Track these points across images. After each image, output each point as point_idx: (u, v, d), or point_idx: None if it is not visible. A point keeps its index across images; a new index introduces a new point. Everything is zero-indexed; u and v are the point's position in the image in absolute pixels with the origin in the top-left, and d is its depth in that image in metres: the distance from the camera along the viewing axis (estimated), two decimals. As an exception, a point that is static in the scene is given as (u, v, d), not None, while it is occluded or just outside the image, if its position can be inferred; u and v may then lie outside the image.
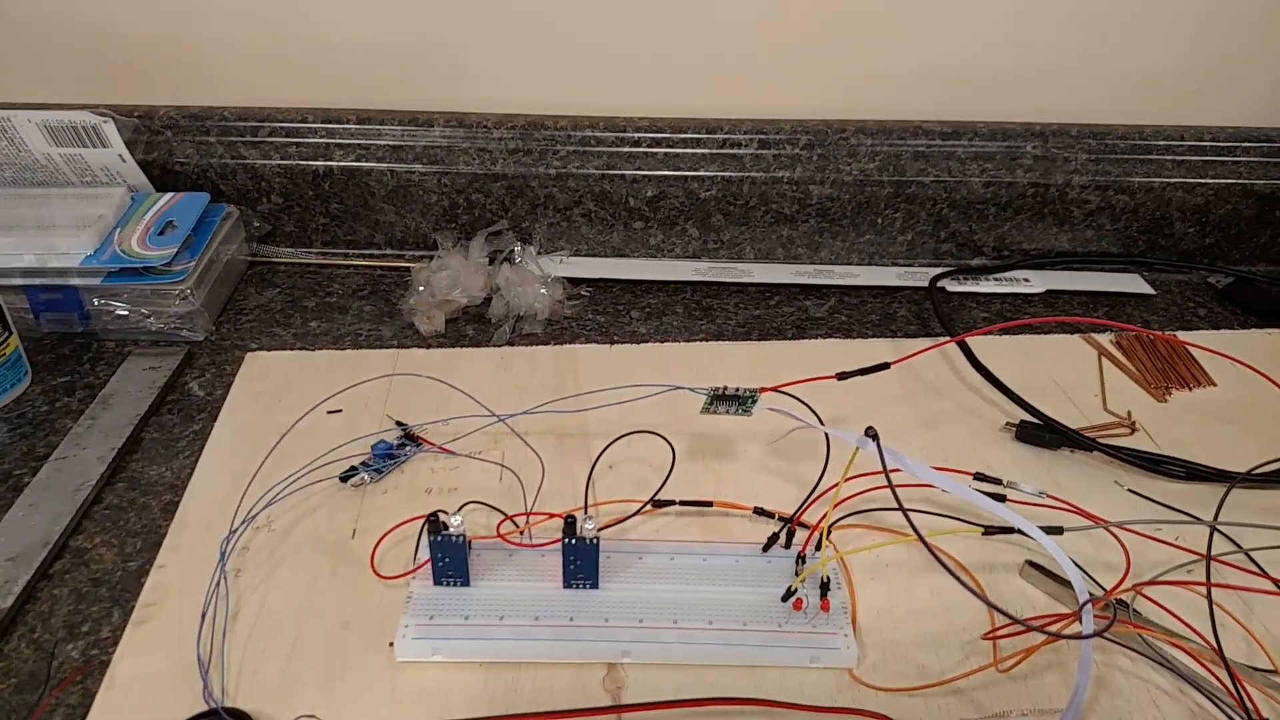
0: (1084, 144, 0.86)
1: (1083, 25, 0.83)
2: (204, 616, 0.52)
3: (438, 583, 0.54)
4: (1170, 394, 0.73)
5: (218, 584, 0.54)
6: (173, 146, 0.83)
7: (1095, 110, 0.87)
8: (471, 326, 0.79)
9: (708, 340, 0.79)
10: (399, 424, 0.66)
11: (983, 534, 0.53)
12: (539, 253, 0.85)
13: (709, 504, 0.60)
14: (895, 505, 0.57)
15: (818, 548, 0.56)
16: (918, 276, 0.86)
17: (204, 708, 0.48)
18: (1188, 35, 0.84)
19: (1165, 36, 0.84)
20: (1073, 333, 0.80)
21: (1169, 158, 0.87)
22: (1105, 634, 0.49)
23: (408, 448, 0.65)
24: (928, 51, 0.84)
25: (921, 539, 0.47)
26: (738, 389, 0.58)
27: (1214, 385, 0.74)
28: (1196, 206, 0.88)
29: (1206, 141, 0.87)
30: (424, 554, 0.55)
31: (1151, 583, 0.55)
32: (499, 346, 0.77)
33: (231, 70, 0.84)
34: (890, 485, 0.48)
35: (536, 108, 0.85)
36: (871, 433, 0.50)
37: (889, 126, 0.85)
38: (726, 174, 0.84)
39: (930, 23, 0.82)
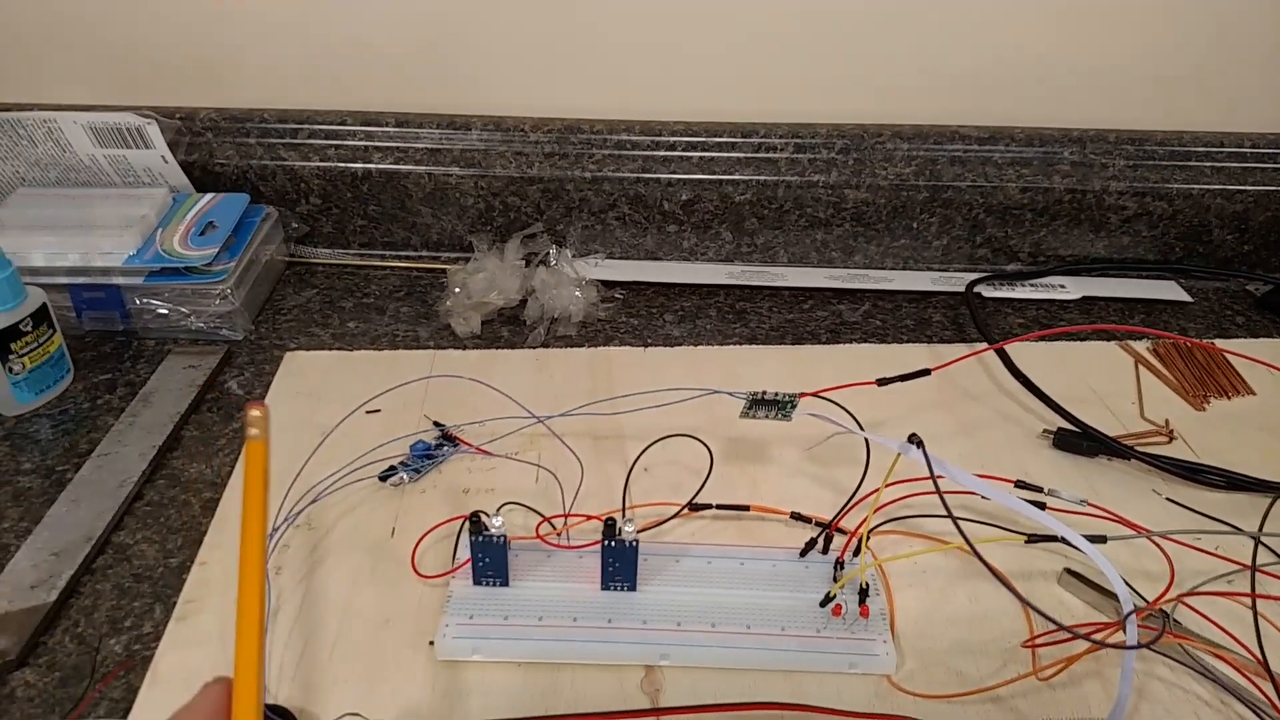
0: (1122, 150, 0.86)
1: (1121, 30, 0.82)
2: (246, 613, 0.53)
3: (477, 582, 0.54)
4: (1208, 402, 0.72)
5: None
6: (213, 148, 0.84)
7: (1134, 116, 0.87)
8: (507, 328, 0.80)
9: (741, 344, 0.79)
10: (436, 424, 0.67)
11: (1025, 542, 0.53)
12: (574, 255, 0.85)
13: (746, 508, 0.60)
14: (934, 513, 0.57)
15: (856, 553, 0.56)
16: (953, 282, 0.86)
17: (247, 704, 0.48)
18: (1227, 41, 0.83)
19: (1205, 42, 0.84)
20: (1109, 340, 0.79)
21: (1208, 164, 0.86)
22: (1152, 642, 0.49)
23: (445, 448, 0.65)
24: (965, 56, 0.84)
25: (971, 548, 0.47)
26: (776, 394, 0.58)
27: (1253, 394, 0.73)
28: (1235, 213, 0.87)
29: (1246, 148, 0.86)
30: (463, 554, 0.56)
31: (1195, 593, 0.54)
32: (534, 348, 0.77)
33: (271, 73, 0.85)
34: (939, 491, 0.48)
35: (573, 111, 0.86)
36: (915, 439, 0.50)
37: (925, 131, 0.85)
38: (761, 178, 0.84)
39: (967, 27, 0.82)
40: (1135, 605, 0.45)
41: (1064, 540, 0.48)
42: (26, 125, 0.78)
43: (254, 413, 0.38)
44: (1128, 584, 0.53)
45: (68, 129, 0.78)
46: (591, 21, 0.82)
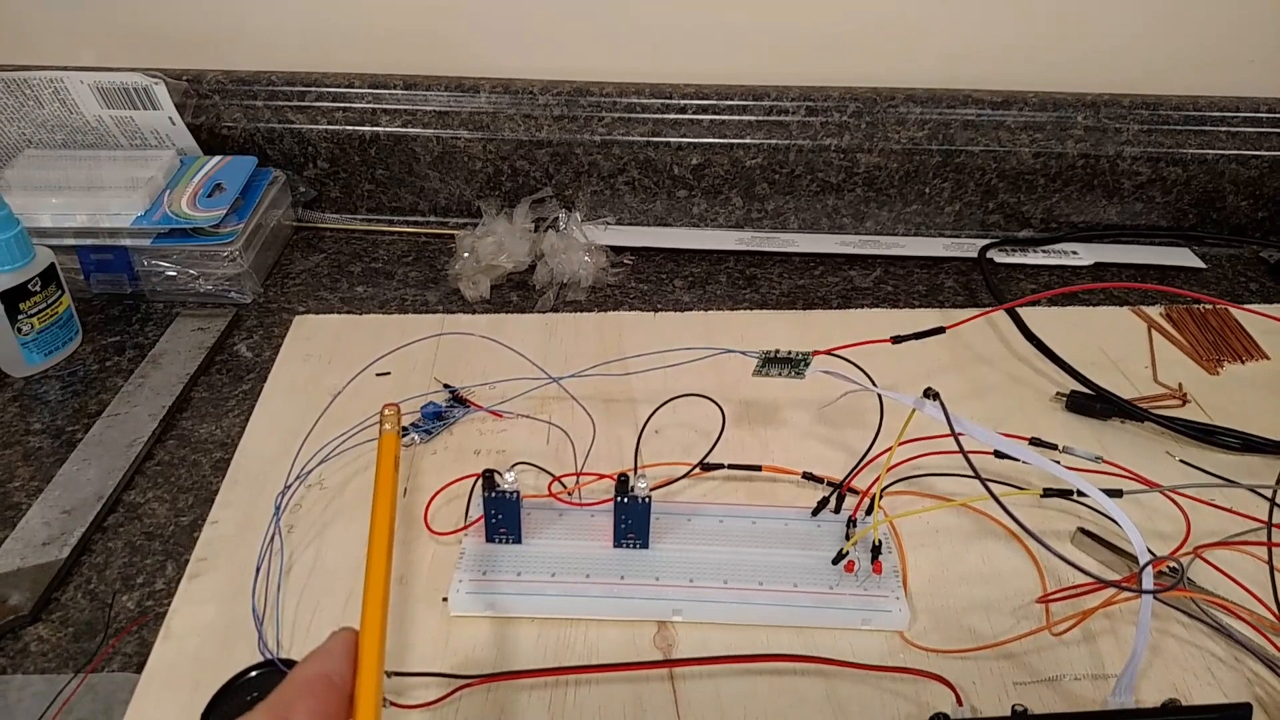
0: (1136, 115, 0.85)
1: (1137, -7, 0.82)
2: (258, 570, 0.53)
3: (490, 539, 0.54)
4: (1222, 366, 0.72)
5: (272, 539, 0.55)
6: (220, 110, 0.84)
7: (1148, 80, 0.86)
8: (516, 293, 0.80)
9: (752, 309, 0.78)
10: (446, 386, 0.67)
11: (1042, 495, 0.53)
12: (583, 220, 0.85)
13: (757, 468, 0.60)
14: (947, 471, 0.57)
15: (868, 512, 0.56)
16: (965, 248, 0.85)
17: (259, 659, 0.48)
18: (1243, 4, 0.83)
19: (1220, 5, 0.83)
20: (1122, 305, 0.79)
21: (1222, 129, 0.85)
22: (1163, 598, 0.49)
23: (456, 410, 0.65)
24: (979, 19, 0.83)
25: (999, 502, 0.47)
26: (790, 351, 0.57)
27: (1266, 358, 0.73)
28: (1250, 180, 0.86)
29: (1262, 113, 0.85)
30: (475, 512, 0.55)
31: (1211, 545, 0.54)
32: (543, 313, 0.77)
33: (279, 35, 0.84)
34: (959, 445, 0.48)
35: (581, 74, 0.85)
36: (931, 393, 0.50)
37: (939, 94, 0.84)
38: (773, 142, 0.84)
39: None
40: (1151, 557, 0.45)
41: (1079, 494, 0.48)
42: (33, 85, 0.77)
43: (388, 410, 0.48)
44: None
45: (74, 89, 0.77)
46: (601, -17, 0.82)
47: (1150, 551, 0.46)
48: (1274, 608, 0.51)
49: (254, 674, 0.47)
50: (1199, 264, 0.86)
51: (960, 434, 0.49)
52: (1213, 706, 0.46)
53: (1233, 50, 0.85)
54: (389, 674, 0.47)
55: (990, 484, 0.55)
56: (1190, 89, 0.86)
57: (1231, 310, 0.77)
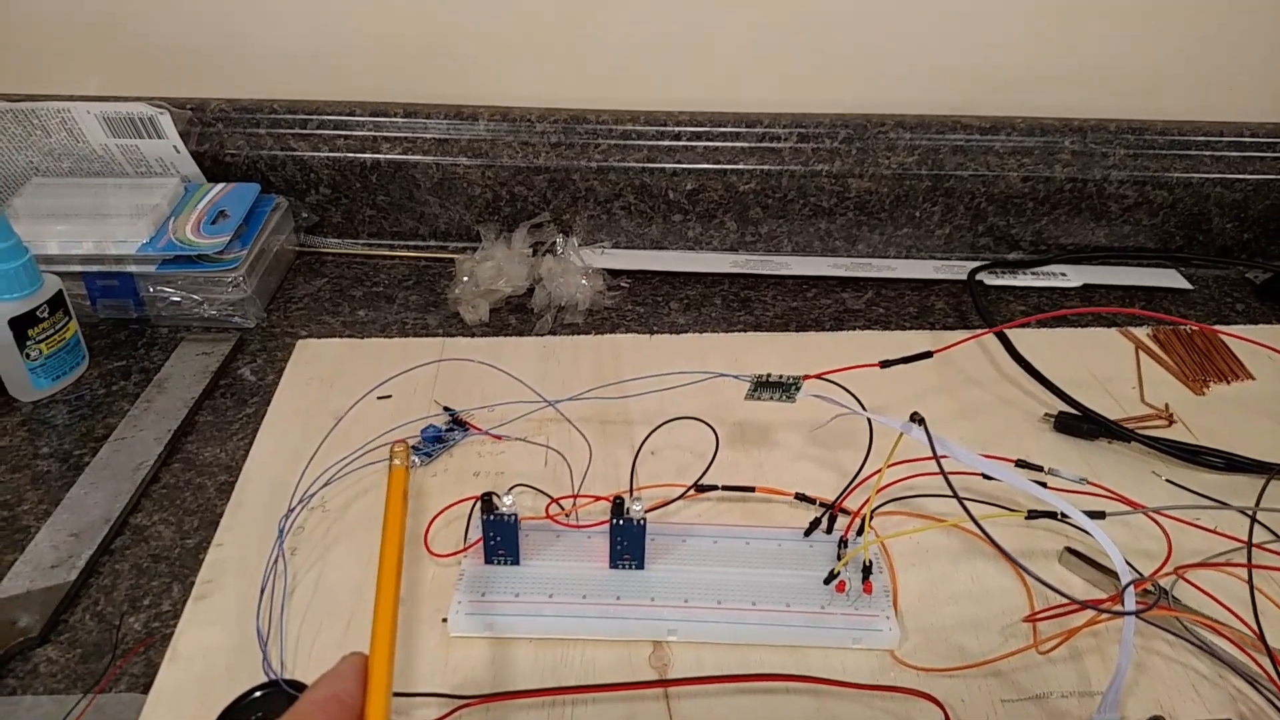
0: (1122, 139, 0.86)
1: (1122, 21, 0.83)
2: (262, 592, 0.54)
3: (489, 561, 0.55)
4: (1208, 387, 0.73)
5: (275, 561, 0.56)
6: (224, 138, 0.85)
7: (1134, 105, 0.87)
8: (514, 316, 0.81)
9: (746, 331, 0.80)
10: (446, 409, 0.68)
11: (1026, 517, 0.54)
12: (580, 245, 0.86)
13: (751, 489, 0.61)
14: (937, 492, 0.58)
15: (859, 533, 0.57)
16: (955, 270, 0.87)
17: (264, 679, 0.49)
18: (1226, 31, 0.84)
19: (1204, 32, 0.84)
20: (1110, 326, 0.80)
21: (1207, 153, 0.87)
22: (1147, 616, 0.50)
23: (455, 432, 0.66)
24: (967, 46, 0.85)
25: (976, 523, 0.48)
26: (781, 376, 0.59)
27: (1252, 379, 0.74)
28: (1235, 202, 0.88)
29: (1246, 137, 0.87)
30: (474, 534, 0.57)
31: (1193, 565, 0.55)
32: (541, 336, 0.78)
33: (281, 64, 0.86)
34: (941, 469, 0.49)
35: (578, 102, 0.87)
36: (917, 418, 0.51)
37: (928, 120, 0.86)
38: (765, 167, 0.85)
39: (969, 17, 0.83)
40: (1135, 575, 0.46)
41: (1063, 516, 0.49)
42: (40, 115, 0.79)
43: (398, 447, 0.51)
44: (1127, 562, 0.54)
45: (81, 119, 0.79)
46: (597, 12, 0.83)
47: (1133, 569, 0.47)
48: (1255, 626, 0.52)
49: (259, 694, 0.48)
50: (1186, 285, 0.87)
51: (944, 456, 0.50)
52: (1194, 724, 0.47)
53: (1217, 76, 0.87)
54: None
55: (978, 504, 0.57)
56: (1176, 114, 0.88)
57: (1218, 331, 0.78)
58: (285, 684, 0.49)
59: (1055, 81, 0.87)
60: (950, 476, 0.50)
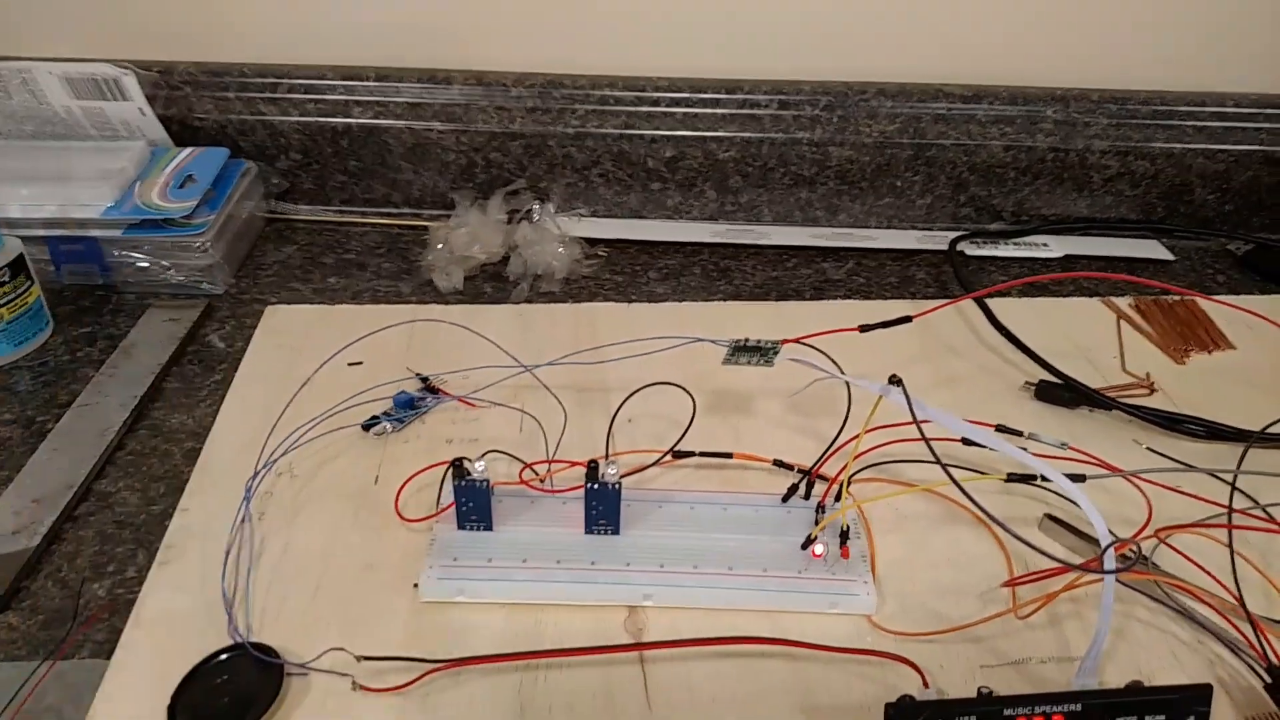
0: (1105, 109, 0.86)
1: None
2: (228, 555, 0.53)
3: (461, 527, 0.54)
4: (1189, 357, 0.73)
5: (242, 522, 0.55)
6: (192, 102, 0.83)
7: (1116, 75, 0.87)
8: (490, 284, 0.80)
9: (726, 300, 0.79)
10: (419, 376, 0.67)
11: (1005, 480, 0.53)
12: (557, 212, 0.85)
13: (728, 455, 0.60)
14: (915, 458, 0.58)
15: (837, 499, 0.56)
16: (937, 240, 0.86)
17: (229, 643, 0.48)
18: (1211, 1, 0.84)
19: (1188, 2, 0.84)
20: (1092, 296, 0.80)
21: (1190, 124, 0.86)
22: (1127, 580, 0.50)
23: (428, 399, 0.65)
24: (949, 14, 0.84)
25: (957, 485, 0.47)
26: (759, 340, 0.58)
27: (1233, 348, 0.74)
28: (1217, 173, 0.87)
29: (1229, 108, 0.86)
30: (446, 499, 0.56)
31: (1174, 528, 0.55)
32: (517, 304, 0.77)
33: (251, 27, 0.84)
34: (920, 431, 0.48)
35: (555, 66, 0.85)
36: (895, 380, 0.50)
37: (910, 89, 0.85)
38: (746, 135, 0.84)
39: (952, -16, 0.82)
40: (1114, 539, 0.45)
41: (1044, 479, 0.48)
42: (2, 76, 0.77)
43: None
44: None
45: (43, 80, 0.77)
46: (575, -25, 0.82)
47: (1113, 534, 0.46)
48: (1235, 590, 0.51)
49: (224, 657, 0.47)
50: (1168, 256, 0.87)
51: (924, 420, 0.49)
52: (1175, 688, 0.46)
53: (1200, 46, 0.87)
54: (360, 658, 0.47)
55: (956, 470, 0.56)
56: (1158, 84, 0.87)
57: (1199, 301, 0.78)
58: (251, 647, 0.47)
59: (1038, 51, 0.86)
60: (930, 442, 0.50)
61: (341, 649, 0.47)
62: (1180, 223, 0.90)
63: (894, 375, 0.51)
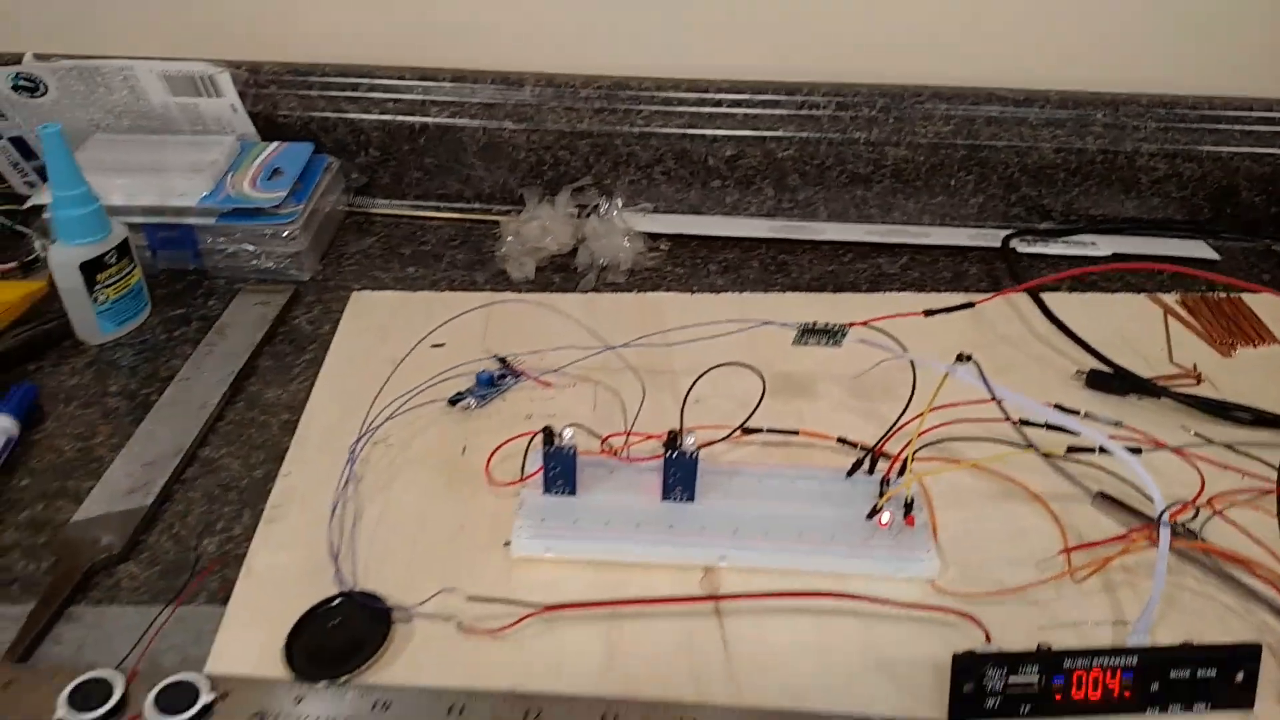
0: (1153, 113, 0.89)
1: (1154, -4, 0.86)
2: (333, 514, 0.56)
3: (547, 491, 0.58)
4: (1235, 350, 0.75)
5: (345, 484, 0.59)
6: (277, 100, 0.88)
7: (1165, 80, 0.90)
8: (558, 275, 0.83)
9: (784, 292, 0.82)
10: (497, 357, 0.70)
11: (1066, 451, 0.56)
12: (623, 207, 0.89)
13: (795, 432, 0.64)
14: (976, 436, 0.61)
15: (900, 473, 0.59)
16: (989, 237, 0.89)
17: (336, 591, 0.52)
18: (1260, 6, 0.87)
19: (1235, 9, 0.87)
20: (1139, 292, 0.82)
21: (1237, 128, 0.89)
22: (1180, 550, 0.52)
23: (507, 378, 0.69)
24: (1003, 20, 0.87)
25: (1034, 448, 0.50)
26: (828, 323, 0.61)
27: (1278, 342, 0.76)
28: (1263, 176, 0.90)
29: (1275, 112, 0.89)
30: (530, 467, 0.59)
31: (1225, 494, 0.58)
32: (585, 293, 0.81)
33: (334, 29, 0.88)
34: (993, 394, 0.51)
35: (622, 69, 0.89)
36: (966, 356, 0.53)
37: (964, 92, 0.88)
38: (804, 134, 0.88)
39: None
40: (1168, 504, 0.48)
41: (1102, 450, 0.51)
42: (104, 73, 0.82)
43: None
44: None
45: (144, 77, 0.82)
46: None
47: (1167, 502, 0.49)
48: (1282, 559, 0.54)
49: (335, 603, 0.51)
50: (1214, 256, 0.89)
51: (1000, 400, 0.52)
52: (1225, 646, 0.49)
53: (1247, 52, 0.89)
54: (470, 598, 0.50)
55: (1014, 445, 0.59)
56: (1206, 89, 0.90)
57: (1244, 298, 0.80)
58: (358, 595, 0.51)
59: (1088, 56, 0.89)
60: (986, 425, 0.53)
61: (453, 589, 0.51)
62: (1226, 224, 0.93)
63: (962, 353, 0.54)
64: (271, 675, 0.48)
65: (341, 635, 0.50)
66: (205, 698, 0.46)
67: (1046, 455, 0.61)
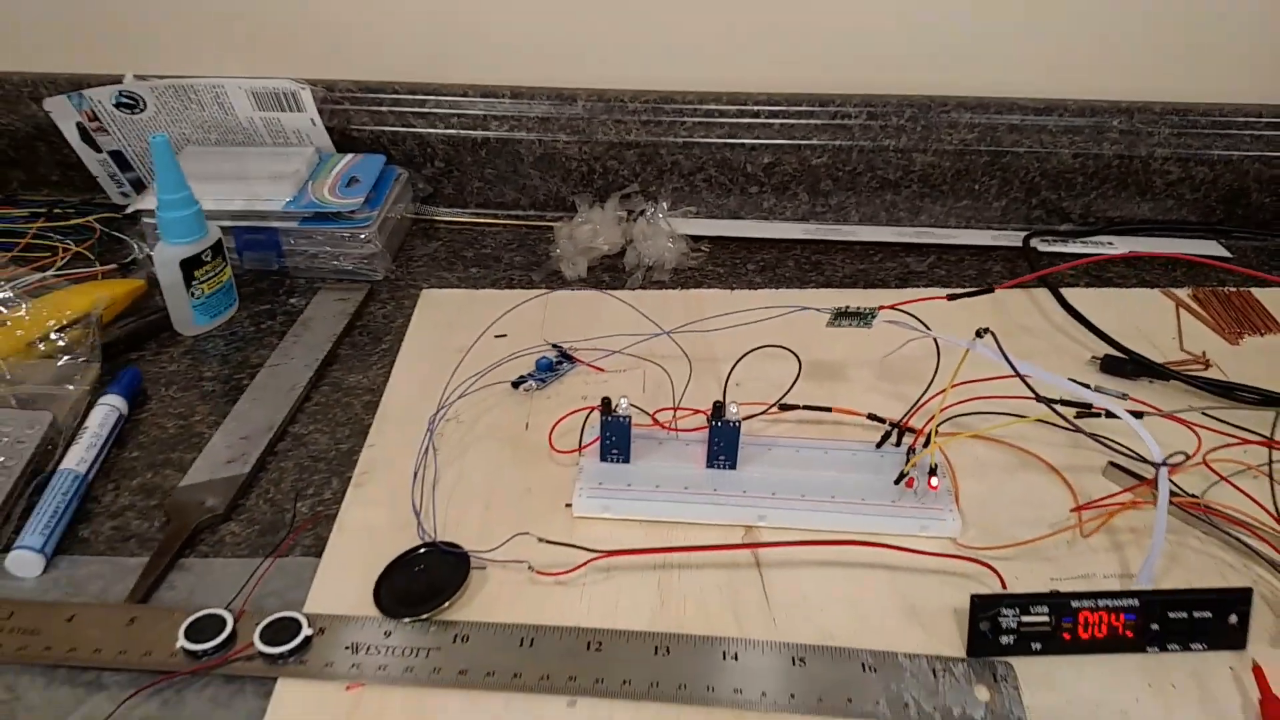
0: (1167, 120, 0.94)
1: (1168, 6, 0.91)
2: (415, 477, 0.63)
3: (604, 459, 0.64)
4: (1243, 339, 0.80)
5: (424, 453, 0.65)
6: (350, 115, 0.96)
7: (1178, 89, 0.95)
8: (607, 274, 0.90)
9: (818, 289, 0.88)
10: (555, 346, 0.77)
11: (1076, 416, 0.61)
12: (668, 211, 0.95)
13: (828, 409, 0.70)
14: (992, 411, 0.66)
15: (925, 444, 0.65)
16: (1011, 238, 0.95)
17: (420, 542, 0.59)
18: (1266, 18, 0.92)
19: (1244, 19, 0.92)
20: (1152, 287, 0.88)
21: (1248, 133, 0.94)
22: (1181, 509, 0.58)
23: (564, 365, 0.75)
24: (1024, 34, 0.93)
25: (1056, 411, 0.56)
26: (859, 307, 0.67)
27: (1285, 331, 0.82)
28: (1274, 178, 0.95)
29: (1284, 118, 0.94)
30: (588, 438, 0.65)
31: (1219, 448, 0.64)
32: (633, 290, 0.87)
33: (403, 49, 0.96)
34: (1012, 366, 0.57)
35: (667, 84, 0.96)
36: (984, 331, 0.59)
37: (987, 101, 0.94)
38: (836, 143, 0.94)
39: (1028, 6, 0.92)
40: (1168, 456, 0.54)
41: (1109, 414, 0.57)
42: (197, 90, 0.90)
43: None
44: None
45: (233, 94, 0.89)
46: (686, 2, 0.93)
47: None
48: (1276, 511, 0.59)
49: (421, 551, 0.58)
50: (1226, 254, 0.94)
51: (1026, 376, 0.58)
52: (1219, 590, 0.54)
53: (1256, 61, 0.95)
54: (540, 539, 0.57)
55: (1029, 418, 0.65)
56: (1216, 96, 0.95)
57: (1254, 292, 0.85)
58: (441, 545, 0.58)
59: (1104, 66, 0.95)
60: (998, 400, 0.58)
61: (526, 533, 0.57)
62: (1238, 224, 0.98)
63: (982, 328, 0.60)
64: (363, 614, 0.55)
65: (425, 580, 0.56)
66: (306, 631, 0.53)
67: (1058, 411, 0.65)
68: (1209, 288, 0.86)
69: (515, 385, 0.73)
